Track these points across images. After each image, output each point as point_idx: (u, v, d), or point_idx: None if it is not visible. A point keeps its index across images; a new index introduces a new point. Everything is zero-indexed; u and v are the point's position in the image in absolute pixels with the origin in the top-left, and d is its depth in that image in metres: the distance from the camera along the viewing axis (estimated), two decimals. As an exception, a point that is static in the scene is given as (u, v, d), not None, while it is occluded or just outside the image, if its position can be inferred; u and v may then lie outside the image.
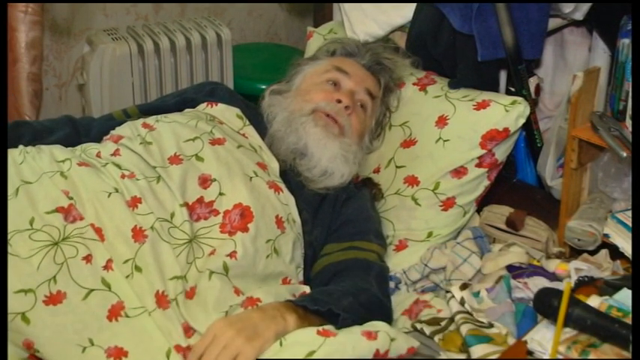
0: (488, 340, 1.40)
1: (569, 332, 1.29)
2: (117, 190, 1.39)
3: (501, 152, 1.71)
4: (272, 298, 1.36)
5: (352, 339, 1.24)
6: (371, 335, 1.25)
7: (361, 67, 1.77)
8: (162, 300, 1.31)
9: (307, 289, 1.45)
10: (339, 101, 1.66)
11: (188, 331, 1.30)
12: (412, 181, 1.70)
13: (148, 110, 1.72)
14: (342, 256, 1.52)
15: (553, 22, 1.84)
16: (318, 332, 1.24)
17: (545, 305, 1.33)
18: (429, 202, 1.68)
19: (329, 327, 1.28)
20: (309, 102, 1.66)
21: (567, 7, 1.80)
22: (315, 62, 1.80)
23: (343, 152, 1.62)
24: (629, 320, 1.28)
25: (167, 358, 1.27)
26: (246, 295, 1.36)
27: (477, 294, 1.54)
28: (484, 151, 1.67)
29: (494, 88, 1.81)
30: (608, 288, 1.43)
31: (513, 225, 1.74)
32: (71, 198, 1.37)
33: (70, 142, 1.58)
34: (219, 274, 1.36)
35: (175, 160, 1.48)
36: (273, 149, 1.62)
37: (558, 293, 1.32)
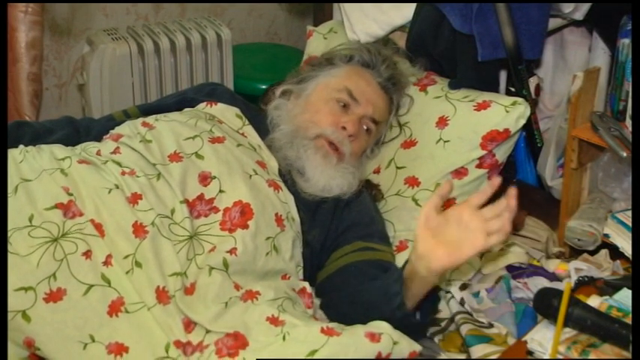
0: (488, 340, 1.40)
1: (569, 332, 1.30)
2: (117, 187, 1.39)
3: (502, 153, 1.71)
4: (271, 291, 1.36)
5: (355, 340, 1.24)
6: (374, 337, 1.25)
7: (375, 86, 1.73)
8: (162, 296, 1.31)
9: (307, 285, 1.45)
10: (344, 128, 1.65)
11: (189, 326, 1.30)
12: (413, 181, 1.70)
13: (148, 110, 1.72)
14: (359, 257, 1.52)
15: (553, 22, 1.84)
16: (322, 330, 1.25)
17: (545, 305, 1.33)
18: (430, 203, 1.68)
19: (334, 325, 1.28)
20: (316, 125, 1.64)
21: (567, 7, 1.80)
22: (330, 70, 1.76)
23: (340, 174, 1.61)
24: (629, 320, 1.28)
25: (166, 353, 1.27)
26: (245, 289, 1.36)
27: (476, 294, 1.55)
28: (484, 152, 1.67)
29: (494, 88, 1.81)
30: (608, 288, 1.43)
31: (513, 225, 1.73)
32: (71, 194, 1.37)
33: (70, 142, 1.57)
34: (219, 270, 1.36)
35: (175, 157, 1.48)
36: (271, 151, 1.62)
37: (558, 293, 1.32)
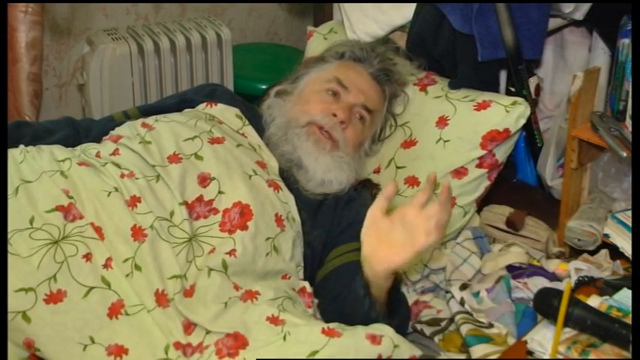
0: (488, 340, 1.40)
1: (569, 332, 1.29)
2: (116, 189, 1.39)
3: (502, 153, 1.72)
4: (271, 291, 1.36)
5: (356, 342, 1.24)
6: (375, 339, 1.25)
7: (367, 77, 1.74)
8: (162, 299, 1.31)
9: (306, 285, 1.45)
10: (335, 115, 1.65)
11: (188, 328, 1.30)
12: (413, 181, 1.70)
13: (148, 111, 1.72)
14: (354, 257, 1.52)
15: (553, 22, 1.84)
16: (324, 331, 1.25)
17: (545, 305, 1.33)
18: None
19: (335, 325, 1.28)
20: (306, 113, 1.65)
21: (567, 7, 1.80)
22: (322, 66, 1.77)
23: (336, 164, 1.61)
24: (629, 320, 1.28)
25: (165, 354, 1.27)
26: (245, 289, 1.37)
27: (476, 294, 1.55)
28: (484, 152, 1.67)
29: (494, 88, 1.81)
30: (608, 288, 1.43)
31: (513, 225, 1.74)
32: (71, 197, 1.37)
33: (70, 142, 1.57)
34: (218, 271, 1.36)
35: (174, 159, 1.48)
36: (270, 150, 1.62)
37: (558, 293, 1.32)
